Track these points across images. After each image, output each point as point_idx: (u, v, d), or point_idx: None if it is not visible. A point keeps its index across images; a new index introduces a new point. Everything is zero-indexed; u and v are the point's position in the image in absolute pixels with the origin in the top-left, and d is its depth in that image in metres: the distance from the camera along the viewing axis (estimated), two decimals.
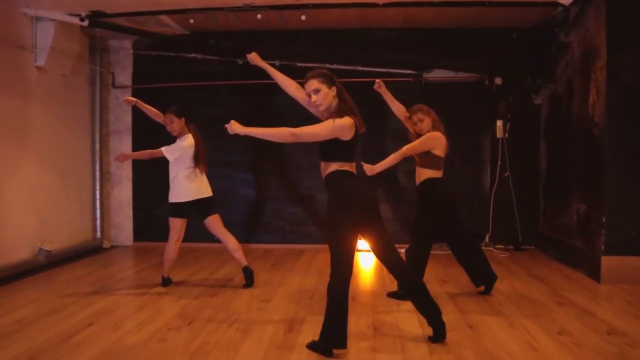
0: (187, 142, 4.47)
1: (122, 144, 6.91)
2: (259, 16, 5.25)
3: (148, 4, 5.38)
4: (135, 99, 4.75)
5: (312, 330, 3.25)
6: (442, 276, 4.96)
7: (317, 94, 2.99)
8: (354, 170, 3.05)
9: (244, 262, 4.61)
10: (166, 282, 4.66)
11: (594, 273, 4.70)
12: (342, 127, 2.89)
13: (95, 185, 6.66)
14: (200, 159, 4.52)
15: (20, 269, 5.16)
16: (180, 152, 4.43)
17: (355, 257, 2.98)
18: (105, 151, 6.87)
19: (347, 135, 2.93)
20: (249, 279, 4.57)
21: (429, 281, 4.63)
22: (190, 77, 6.70)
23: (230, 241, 4.57)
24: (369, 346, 3.11)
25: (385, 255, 3.08)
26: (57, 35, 5.57)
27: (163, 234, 4.76)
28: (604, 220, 4.61)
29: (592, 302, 4.04)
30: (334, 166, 3.00)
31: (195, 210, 4.56)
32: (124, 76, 6.90)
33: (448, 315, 3.70)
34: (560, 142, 5.76)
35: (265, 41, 6.58)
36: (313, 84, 3.00)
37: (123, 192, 6.94)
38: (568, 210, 5.42)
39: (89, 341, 3.25)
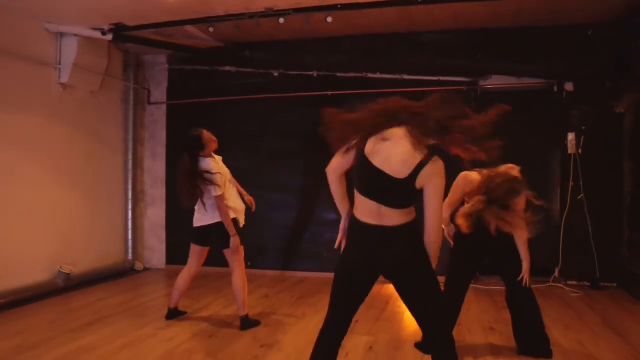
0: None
1: (157, 162, 6.64)
2: (281, 20, 4.73)
3: (168, 14, 5.04)
4: None
5: None
6: (490, 321, 4.08)
7: None
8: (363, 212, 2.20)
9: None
10: (171, 314, 4.20)
11: None
12: None
13: (127, 205, 6.42)
14: None
15: (37, 291, 4.96)
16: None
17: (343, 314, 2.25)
18: (140, 170, 6.64)
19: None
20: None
21: (471, 329, 3.83)
22: (226, 92, 6.32)
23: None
24: None
25: (412, 306, 2.22)
26: (82, 51, 5.38)
27: None
28: None
29: None
30: None
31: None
32: (159, 92, 6.66)
33: None
34: None
35: (303, 51, 6.05)
36: None
37: (157, 213, 6.65)
38: None
39: None
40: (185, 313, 4.33)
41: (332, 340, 2.24)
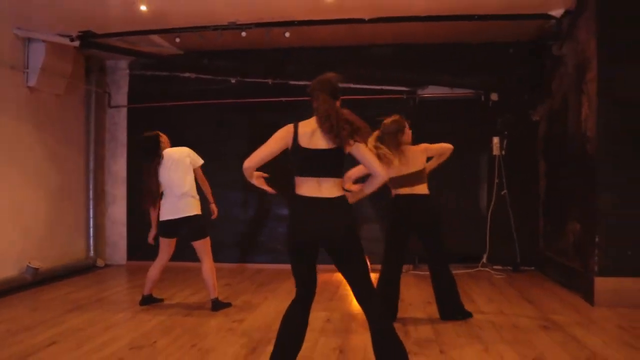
0: None
1: (118, 162, 6.94)
2: (243, 34, 5.23)
3: (137, 24, 5.42)
4: None
5: None
6: (428, 297, 4.73)
7: None
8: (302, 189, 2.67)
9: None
10: (145, 300, 4.58)
11: (588, 295, 4.45)
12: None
13: (89, 204, 6.68)
14: None
15: (7, 286, 5.16)
16: None
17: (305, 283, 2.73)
18: (101, 170, 6.89)
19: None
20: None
21: (412, 303, 4.47)
22: (185, 97, 6.71)
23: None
24: None
25: (346, 273, 2.73)
26: (49, 56, 5.64)
27: (156, 254, 4.66)
28: (597, 240, 4.38)
29: (581, 326, 3.79)
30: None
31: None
32: (120, 96, 6.96)
33: (421, 335, 3.55)
34: (558, 160, 5.55)
35: (259, 60, 6.55)
36: None
37: (117, 211, 6.93)
38: (564, 230, 5.18)
39: None
40: (161, 300, 4.71)
41: (303, 306, 2.72)
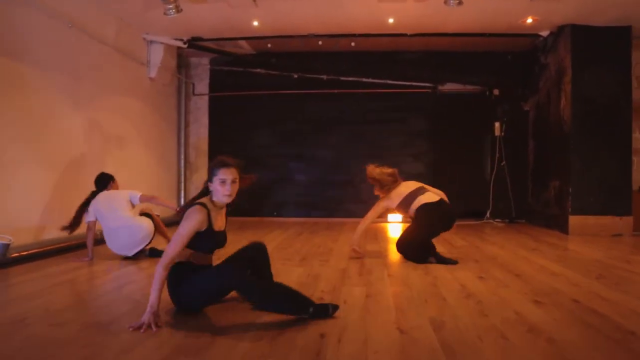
0: None
1: (200, 139, 8.76)
2: (320, 42, 7.12)
3: (235, 32, 7.25)
4: None
5: (369, 266, 5.10)
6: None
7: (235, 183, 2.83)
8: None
9: None
10: None
11: (564, 228, 6.52)
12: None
13: (180, 171, 8.51)
14: None
15: None
16: None
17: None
18: (187, 145, 8.72)
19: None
20: None
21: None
22: (255, 88, 8.56)
23: None
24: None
25: None
26: (165, 54, 7.45)
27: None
28: (570, 190, 6.45)
29: (560, 241, 5.85)
30: None
31: None
32: (202, 86, 8.78)
33: (458, 243, 5.54)
34: (543, 138, 7.60)
35: (316, 60, 8.42)
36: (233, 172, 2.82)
37: (199, 179, 8.75)
38: (548, 187, 7.24)
39: None
40: None
41: None
